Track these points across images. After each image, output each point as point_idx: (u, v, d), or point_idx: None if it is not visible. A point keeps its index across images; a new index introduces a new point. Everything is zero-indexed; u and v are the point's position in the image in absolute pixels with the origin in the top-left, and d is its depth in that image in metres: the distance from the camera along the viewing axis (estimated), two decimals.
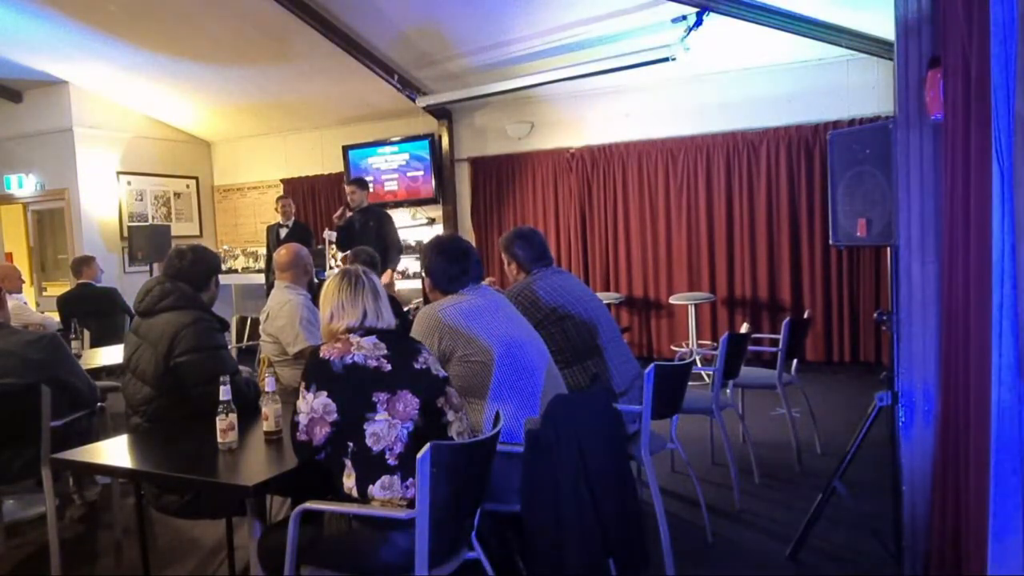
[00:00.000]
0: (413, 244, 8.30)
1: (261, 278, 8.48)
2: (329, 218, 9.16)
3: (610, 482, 2.51)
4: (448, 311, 2.69)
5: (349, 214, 6.65)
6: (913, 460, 2.66)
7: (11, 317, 3.58)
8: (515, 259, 3.37)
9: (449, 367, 2.61)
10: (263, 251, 9.10)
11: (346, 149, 8.93)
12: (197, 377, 2.73)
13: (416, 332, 2.68)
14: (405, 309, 3.32)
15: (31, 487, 3.21)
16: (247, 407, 2.72)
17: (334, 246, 7.87)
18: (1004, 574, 2.04)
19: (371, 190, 7.50)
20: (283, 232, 7.32)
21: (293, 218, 7.56)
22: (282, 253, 3.86)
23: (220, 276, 3.20)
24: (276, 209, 7.68)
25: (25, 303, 5.44)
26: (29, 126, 8.96)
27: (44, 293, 9.41)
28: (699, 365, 6.11)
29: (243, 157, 10.07)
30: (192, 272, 2.98)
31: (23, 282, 5.92)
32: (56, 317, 5.72)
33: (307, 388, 2.12)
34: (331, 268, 7.60)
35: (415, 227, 8.75)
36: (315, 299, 3.66)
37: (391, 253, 6.60)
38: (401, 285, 8.03)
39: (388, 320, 2.30)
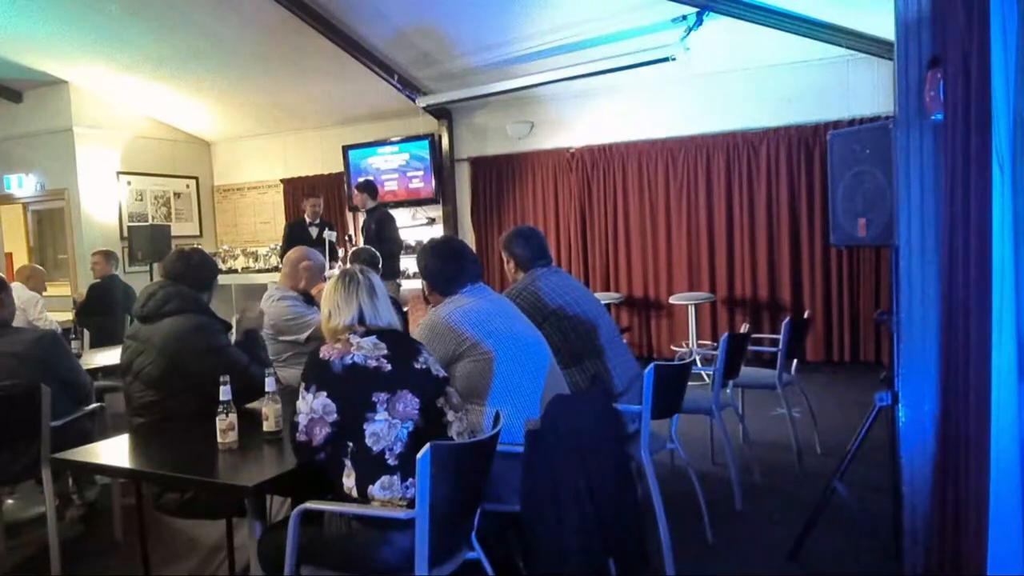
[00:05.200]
0: (413, 244, 8.31)
1: (261, 278, 8.49)
2: (330, 218, 9.19)
3: (610, 482, 2.51)
4: (452, 315, 2.69)
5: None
6: (913, 460, 2.65)
7: (16, 312, 3.60)
8: (514, 257, 3.37)
9: (453, 369, 2.61)
10: (264, 251, 9.10)
11: (346, 149, 8.93)
12: (211, 378, 2.70)
13: (422, 337, 2.68)
14: (405, 309, 3.32)
15: (31, 487, 3.21)
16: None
17: (334, 246, 7.88)
18: (1004, 574, 2.04)
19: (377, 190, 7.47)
20: (314, 231, 7.20)
21: (320, 217, 7.49)
22: (289, 254, 3.86)
23: (219, 279, 3.22)
24: (305, 208, 7.51)
25: (39, 302, 5.50)
26: (29, 126, 8.95)
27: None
28: (699, 365, 6.11)
29: (243, 157, 10.07)
30: (197, 274, 2.98)
31: (44, 284, 6.01)
32: (62, 316, 5.77)
33: (307, 388, 2.12)
34: (331, 268, 7.60)
35: (415, 227, 8.76)
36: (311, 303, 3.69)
37: (386, 249, 6.61)
38: (402, 285, 8.03)
39: (387, 319, 2.30)
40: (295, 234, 7.08)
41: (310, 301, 3.71)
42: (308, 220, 7.36)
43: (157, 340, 2.80)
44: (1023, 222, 2.02)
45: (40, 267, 6.38)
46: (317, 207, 7.42)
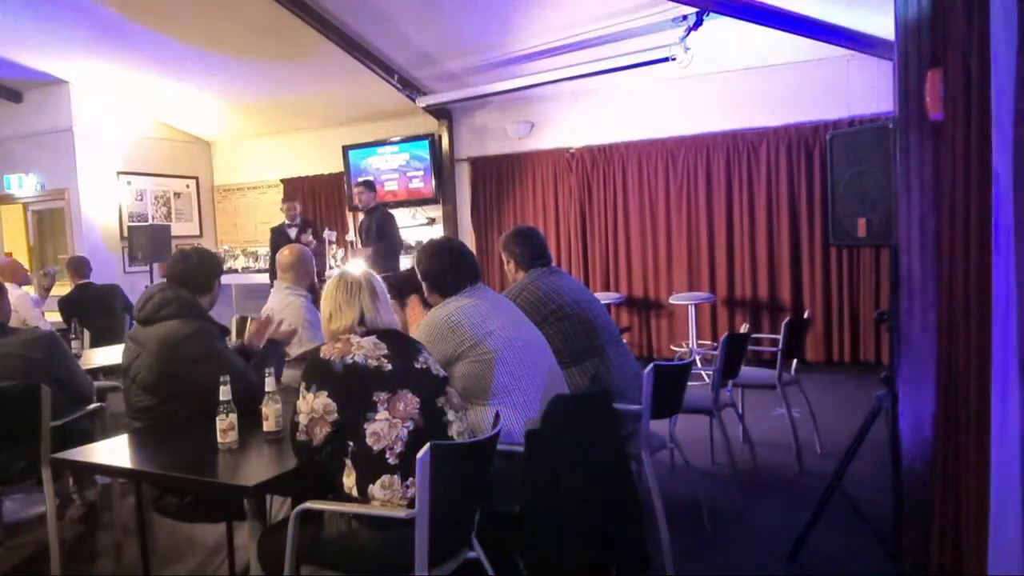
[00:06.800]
0: (413, 244, 8.31)
1: (261, 278, 8.50)
2: (330, 218, 9.22)
3: (610, 482, 2.51)
4: (452, 316, 2.69)
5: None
6: (913, 460, 2.65)
7: (12, 312, 3.59)
8: (513, 257, 3.38)
9: (453, 369, 2.61)
10: (264, 251, 9.11)
11: (346, 149, 8.93)
12: (204, 385, 2.70)
13: (422, 338, 2.68)
14: None
15: (31, 487, 3.21)
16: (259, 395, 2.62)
17: (334, 246, 7.89)
18: (1004, 574, 2.04)
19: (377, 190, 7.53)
20: (293, 232, 7.33)
21: (300, 218, 7.57)
22: (285, 253, 3.84)
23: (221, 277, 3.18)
24: (282, 210, 7.71)
25: (31, 298, 5.46)
26: (29, 126, 8.96)
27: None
28: (699, 365, 6.11)
29: (243, 157, 10.07)
30: (197, 274, 2.97)
31: (28, 273, 5.94)
32: (57, 316, 5.73)
33: (307, 388, 2.12)
34: (331, 268, 7.61)
35: (415, 227, 8.76)
36: (316, 301, 3.67)
37: (386, 247, 6.65)
38: None
39: (388, 320, 2.30)
40: (277, 239, 7.32)
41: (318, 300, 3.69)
42: (287, 223, 7.52)
43: (152, 345, 2.79)
44: (1023, 222, 2.02)
45: (18, 260, 6.31)
46: (292, 209, 7.57)
